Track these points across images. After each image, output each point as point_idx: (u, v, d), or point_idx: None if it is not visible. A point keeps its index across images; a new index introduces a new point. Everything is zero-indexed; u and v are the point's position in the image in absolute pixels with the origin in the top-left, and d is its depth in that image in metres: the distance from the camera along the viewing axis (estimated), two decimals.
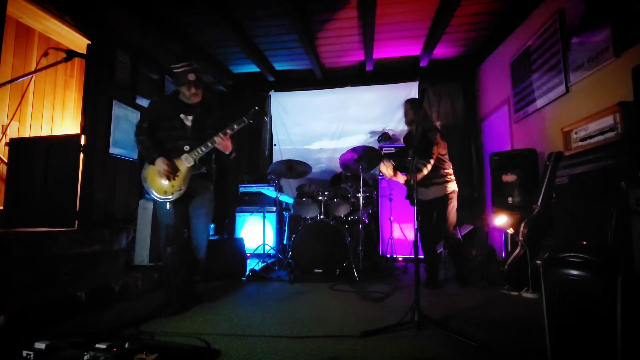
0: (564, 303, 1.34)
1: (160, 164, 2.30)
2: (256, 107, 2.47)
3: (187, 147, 2.37)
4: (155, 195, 2.37)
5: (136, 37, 3.93)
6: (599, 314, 1.24)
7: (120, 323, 2.04)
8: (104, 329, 1.97)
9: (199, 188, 2.48)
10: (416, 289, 1.99)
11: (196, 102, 2.48)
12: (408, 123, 3.24)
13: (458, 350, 1.67)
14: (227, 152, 2.49)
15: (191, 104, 2.47)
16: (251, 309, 2.43)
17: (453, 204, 3.05)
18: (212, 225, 4.79)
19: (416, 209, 2.19)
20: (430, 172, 2.90)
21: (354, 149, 3.72)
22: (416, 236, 2.20)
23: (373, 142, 5.33)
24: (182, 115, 2.43)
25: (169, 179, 2.31)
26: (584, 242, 1.51)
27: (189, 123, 2.43)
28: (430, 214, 3.11)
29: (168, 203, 2.36)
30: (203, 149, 2.37)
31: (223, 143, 2.40)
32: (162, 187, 2.35)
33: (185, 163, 2.36)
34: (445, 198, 3.03)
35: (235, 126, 2.39)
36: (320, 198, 3.79)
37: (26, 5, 3.04)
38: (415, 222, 2.16)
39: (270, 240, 4.52)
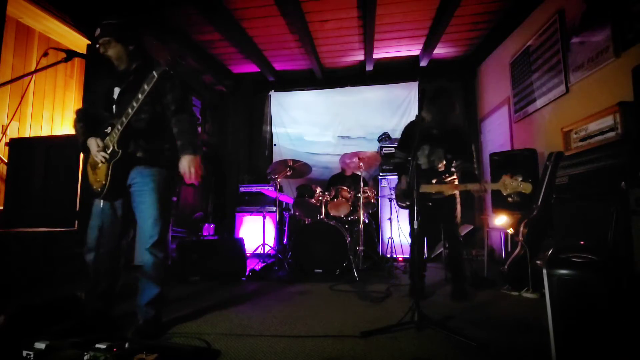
0: (568, 303, 1.34)
1: (92, 143, 1.90)
2: (168, 57, 1.84)
3: (108, 129, 1.91)
4: (91, 190, 1.96)
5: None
6: (603, 314, 1.24)
7: (120, 323, 2.04)
8: (104, 329, 1.97)
9: (136, 178, 1.94)
10: (416, 289, 1.99)
11: (125, 67, 1.99)
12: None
13: (458, 350, 1.67)
14: None
15: (123, 71, 1.99)
16: (251, 309, 2.42)
17: (459, 202, 2.83)
18: (211, 225, 4.78)
19: (417, 209, 2.16)
20: (445, 169, 2.75)
21: (354, 152, 3.73)
22: (416, 237, 2.18)
23: (373, 142, 5.33)
24: (116, 89, 1.99)
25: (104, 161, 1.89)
26: (582, 242, 1.51)
27: (116, 97, 1.98)
28: (435, 215, 2.80)
29: (97, 200, 1.96)
30: (119, 127, 1.87)
31: None
32: (91, 180, 1.95)
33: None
34: (454, 196, 2.80)
35: (146, 86, 1.81)
36: (320, 198, 3.78)
37: (26, 5, 3.05)
38: (415, 222, 2.14)
39: (270, 240, 4.52)
